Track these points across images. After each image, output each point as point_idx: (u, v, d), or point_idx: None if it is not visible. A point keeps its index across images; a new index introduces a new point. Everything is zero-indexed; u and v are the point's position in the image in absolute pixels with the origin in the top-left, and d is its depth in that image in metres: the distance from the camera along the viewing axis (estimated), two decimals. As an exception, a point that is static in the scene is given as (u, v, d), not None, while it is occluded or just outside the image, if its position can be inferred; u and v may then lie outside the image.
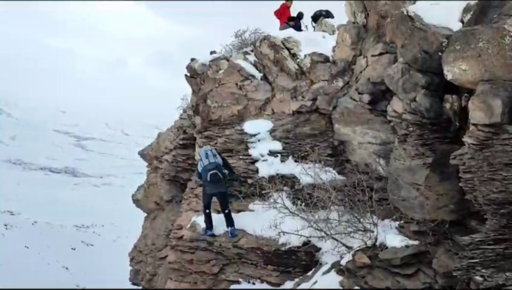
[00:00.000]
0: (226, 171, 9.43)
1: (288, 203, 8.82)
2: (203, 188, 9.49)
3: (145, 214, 16.99)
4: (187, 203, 11.26)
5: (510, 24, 5.84)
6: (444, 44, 6.76)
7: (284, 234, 8.45)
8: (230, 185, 9.85)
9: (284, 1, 15.08)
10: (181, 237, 9.89)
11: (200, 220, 9.67)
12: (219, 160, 9.35)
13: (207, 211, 9.36)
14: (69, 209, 38.70)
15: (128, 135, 78.45)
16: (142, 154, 17.46)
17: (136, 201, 17.28)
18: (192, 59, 13.96)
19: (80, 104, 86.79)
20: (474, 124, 5.93)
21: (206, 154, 9.30)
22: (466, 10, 7.06)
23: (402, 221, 7.52)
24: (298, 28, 14.20)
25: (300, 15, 14.40)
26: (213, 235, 9.30)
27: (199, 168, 9.35)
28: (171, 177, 14.36)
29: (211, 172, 9.04)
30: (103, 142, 75.07)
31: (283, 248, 8.59)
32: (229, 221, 9.26)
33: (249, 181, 9.91)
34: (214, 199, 9.43)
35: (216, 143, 11.08)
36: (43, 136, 70.34)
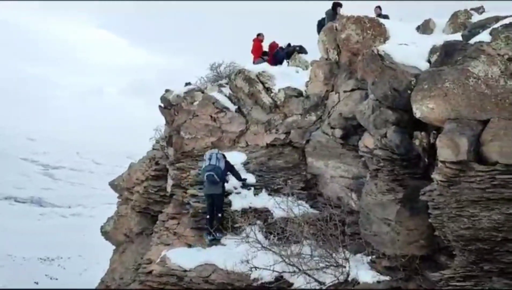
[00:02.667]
0: (226, 177, 9.78)
1: (260, 237, 8.72)
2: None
3: (114, 247, 16.45)
4: (157, 236, 10.96)
5: (474, 66, 6.12)
6: (412, 83, 7.01)
7: (256, 269, 8.29)
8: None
9: (256, 37, 15.42)
10: (151, 271, 9.58)
11: (170, 254, 9.43)
12: (221, 164, 9.60)
13: (208, 216, 9.60)
14: (33, 240, 37.05)
15: (100, 165, 76.52)
16: (113, 184, 17.02)
17: (105, 233, 16.71)
18: (167, 90, 13.94)
19: (50, 132, 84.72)
20: (442, 161, 6.10)
21: (210, 156, 9.68)
22: (432, 51, 7.39)
23: (373, 256, 7.54)
24: (288, 56, 14.51)
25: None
26: (214, 239, 9.44)
27: (202, 166, 9.79)
28: (142, 209, 14.01)
29: (208, 173, 9.41)
30: (73, 171, 72.93)
31: (255, 284, 8.39)
32: (218, 225, 9.42)
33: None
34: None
35: (188, 175, 10.95)
36: (9, 164, 67.88)
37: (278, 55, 14.94)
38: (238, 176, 10.10)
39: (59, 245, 36.66)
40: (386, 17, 12.03)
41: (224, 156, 9.95)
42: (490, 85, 6.01)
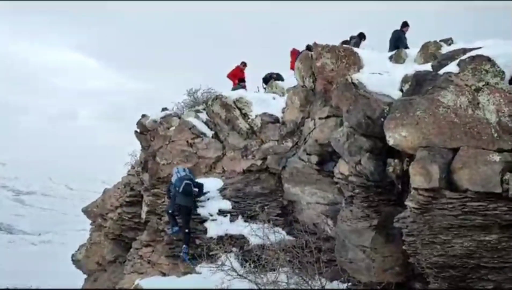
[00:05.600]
0: (196, 189, 10.13)
1: (236, 265, 8.59)
2: (173, 199, 10.01)
3: (85, 276, 15.94)
4: (131, 264, 10.74)
5: (443, 96, 6.31)
6: (385, 111, 7.16)
7: (231, 298, 8.14)
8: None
9: (238, 65, 15.57)
10: (123, 302, 9.33)
11: (144, 283, 9.20)
12: (192, 176, 10.30)
13: (170, 211, 10.02)
14: (1, 269, 35.63)
15: (73, 190, 74.85)
16: (86, 211, 16.64)
17: (77, 262, 16.23)
18: (143, 115, 13.88)
19: (22, 156, 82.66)
20: (415, 188, 6.18)
21: (184, 169, 10.38)
22: (404, 81, 7.59)
23: (349, 284, 7.52)
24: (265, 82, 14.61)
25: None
26: (177, 232, 9.87)
27: (173, 179, 10.13)
28: (116, 236, 13.74)
29: (186, 181, 9.84)
30: (45, 196, 71.00)
31: (230, 313, 8.24)
32: (186, 239, 9.64)
33: (197, 241, 9.64)
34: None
35: (163, 202, 10.81)
36: (-22, 189, 65.78)
37: None
38: (201, 190, 10.33)
39: (28, 274, 35.32)
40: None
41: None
42: (459, 114, 6.20)
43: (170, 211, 10.03)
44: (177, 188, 9.82)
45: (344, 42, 13.15)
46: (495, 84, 6.08)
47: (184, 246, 9.59)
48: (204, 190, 10.50)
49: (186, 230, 9.65)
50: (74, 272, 17.03)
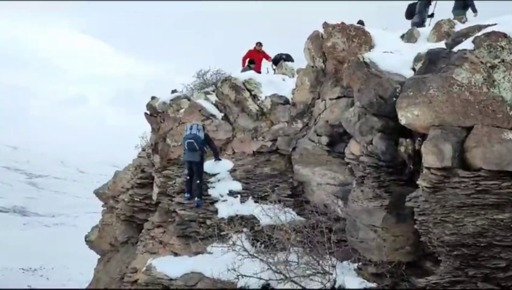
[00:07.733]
0: (204, 146, 10.43)
1: (247, 245, 8.66)
2: (184, 157, 10.56)
3: (98, 256, 16.20)
4: (143, 245, 10.85)
5: (457, 74, 6.20)
6: (397, 90, 7.07)
7: (242, 277, 8.22)
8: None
9: (255, 46, 15.17)
10: (136, 281, 9.49)
11: (156, 263, 9.33)
12: (200, 134, 10.32)
13: (188, 177, 10.32)
14: (16, 250, 36.23)
15: (84, 173, 75.55)
16: (98, 193, 16.82)
17: (90, 242, 16.48)
18: (153, 97, 13.87)
19: (33, 140, 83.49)
20: (427, 168, 6.14)
21: (191, 127, 10.39)
22: (417, 59, 7.48)
23: (360, 263, 7.54)
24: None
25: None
26: (189, 199, 10.15)
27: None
28: (127, 218, 13.85)
29: (188, 140, 10.09)
30: (57, 179, 71.77)
31: (241, 292, 8.33)
32: (198, 192, 10.07)
33: (208, 222, 9.71)
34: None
35: (174, 183, 10.87)
36: (-9, 173, 66.76)
37: None
38: (215, 151, 10.84)
39: (42, 255, 35.97)
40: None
41: (204, 128, 10.70)
42: (474, 92, 6.10)
43: (187, 177, 10.31)
44: (183, 145, 10.26)
45: (411, 5, 12.27)
46: (511, 61, 5.96)
47: (196, 199, 9.98)
48: (215, 172, 10.54)
49: (198, 181, 10.06)
50: (87, 253, 17.31)
